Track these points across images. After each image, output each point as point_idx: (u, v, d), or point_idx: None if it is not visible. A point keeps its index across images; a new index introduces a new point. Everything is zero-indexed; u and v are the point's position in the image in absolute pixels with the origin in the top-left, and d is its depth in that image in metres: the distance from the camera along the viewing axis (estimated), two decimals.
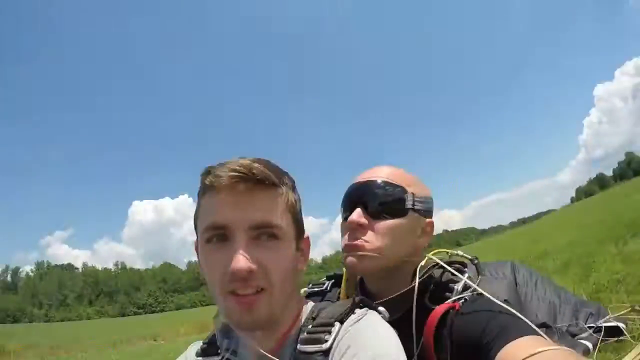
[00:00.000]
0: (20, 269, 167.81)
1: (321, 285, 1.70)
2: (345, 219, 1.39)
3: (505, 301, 1.17)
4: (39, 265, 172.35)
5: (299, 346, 0.94)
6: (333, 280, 1.68)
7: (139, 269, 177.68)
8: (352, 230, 1.34)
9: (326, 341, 0.91)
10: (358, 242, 1.31)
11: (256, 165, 0.91)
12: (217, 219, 0.93)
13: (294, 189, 1.05)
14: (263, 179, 0.92)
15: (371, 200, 1.34)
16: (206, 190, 0.97)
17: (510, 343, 0.94)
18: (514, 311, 1.07)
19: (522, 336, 0.95)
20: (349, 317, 0.97)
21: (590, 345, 1.74)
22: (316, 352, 0.91)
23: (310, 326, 0.98)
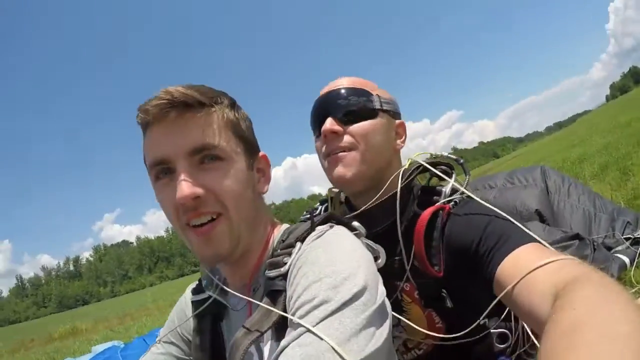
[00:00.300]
0: (80, 257, 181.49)
1: (315, 211, 1.51)
2: (317, 135, 1.33)
3: (537, 211, 1.40)
4: (96, 249, 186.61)
5: (265, 272, 0.92)
6: (326, 205, 1.50)
7: None
8: (328, 140, 1.27)
9: (285, 264, 0.89)
10: (337, 148, 1.25)
11: (179, 89, 0.87)
12: (155, 153, 0.91)
13: (233, 107, 1.00)
14: (188, 101, 0.88)
15: (339, 109, 1.26)
16: (143, 128, 0.94)
17: (512, 253, 0.93)
18: (507, 216, 1.04)
19: (523, 244, 0.93)
20: (309, 235, 0.93)
21: (627, 260, 1.62)
22: (277, 276, 0.89)
23: (279, 249, 0.95)
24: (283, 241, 0.98)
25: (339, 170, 1.24)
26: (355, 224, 1.02)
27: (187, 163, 0.89)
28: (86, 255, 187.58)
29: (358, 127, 1.25)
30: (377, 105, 1.28)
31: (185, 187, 0.86)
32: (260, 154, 1.06)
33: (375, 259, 0.94)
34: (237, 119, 0.99)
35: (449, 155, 1.33)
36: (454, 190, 1.21)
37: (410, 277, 1.21)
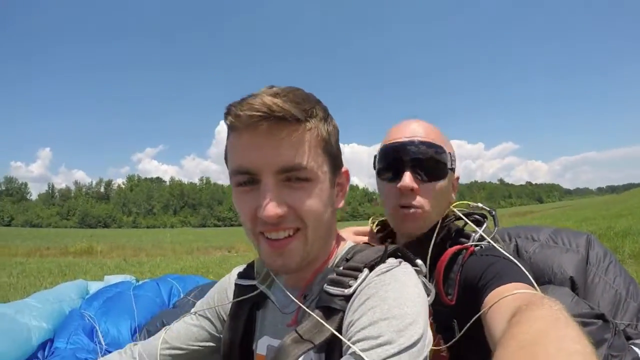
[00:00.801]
0: (113, 181, 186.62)
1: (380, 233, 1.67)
2: (388, 179, 1.45)
3: (571, 278, 1.45)
4: (130, 178, 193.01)
5: (325, 286, 0.95)
6: (387, 230, 1.64)
7: (222, 185, 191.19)
8: (403, 195, 1.39)
9: (350, 286, 0.92)
10: (412, 207, 1.38)
11: (277, 101, 0.86)
12: (242, 162, 0.93)
13: (326, 119, 1.00)
14: (285, 117, 0.87)
15: (416, 164, 1.38)
16: (229, 129, 0.96)
17: (500, 287, 1.05)
18: (516, 261, 1.16)
19: (514, 281, 1.05)
20: (379, 266, 0.96)
21: None
22: (338, 295, 0.92)
23: (342, 267, 0.99)
24: (347, 259, 1.01)
25: (409, 226, 1.39)
26: (419, 262, 1.04)
27: (274, 181, 0.90)
28: (119, 181, 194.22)
29: (431, 187, 1.40)
30: (449, 165, 1.43)
31: (271, 207, 0.88)
32: (343, 169, 1.08)
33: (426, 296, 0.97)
34: (329, 134, 0.99)
35: (483, 207, 1.48)
36: (482, 238, 1.36)
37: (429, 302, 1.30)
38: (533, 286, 1.04)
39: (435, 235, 1.39)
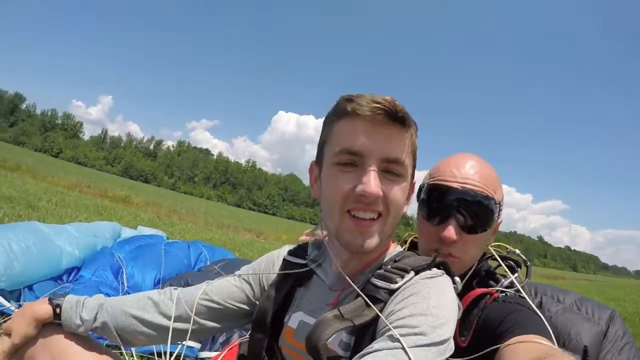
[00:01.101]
0: (163, 142, 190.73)
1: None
2: (430, 219, 1.42)
3: (585, 348, 1.38)
4: (180, 143, 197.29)
5: (372, 279, 1.07)
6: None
7: (266, 171, 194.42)
8: (444, 243, 1.38)
9: (396, 283, 1.02)
10: (450, 257, 1.37)
11: (399, 103, 1.00)
12: (354, 144, 1.02)
13: (416, 134, 1.12)
14: (402, 117, 1.01)
15: (466, 215, 1.37)
16: (343, 115, 1.05)
17: (521, 335, 1.06)
18: (540, 314, 1.18)
19: (533, 333, 1.06)
20: (425, 271, 1.06)
21: None
22: (384, 288, 1.02)
23: (389, 266, 1.09)
24: (395, 261, 1.12)
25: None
26: (457, 279, 1.13)
27: (378, 166, 1.02)
28: (169, 143, 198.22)
29: (474, 239, 1.38)
30: (496, 216, 1.42)
31: (375, 185, 1.00)
32: (414, 181, 1.19)
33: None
34: (416, 146, 1.12)
35: (520, 254, 1.51)
36: (511, 285, 1.37)
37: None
38: (552, 341, 1.06)
39: (467, 277, 1.41)
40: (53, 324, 1.29)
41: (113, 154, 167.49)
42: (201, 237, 9.75)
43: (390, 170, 1.04)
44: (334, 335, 0.99)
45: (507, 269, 1.44)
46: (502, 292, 1.34)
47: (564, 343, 1.46)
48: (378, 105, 0.98)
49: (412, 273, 1.04)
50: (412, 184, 1.18)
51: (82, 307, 1.30)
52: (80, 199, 11.60)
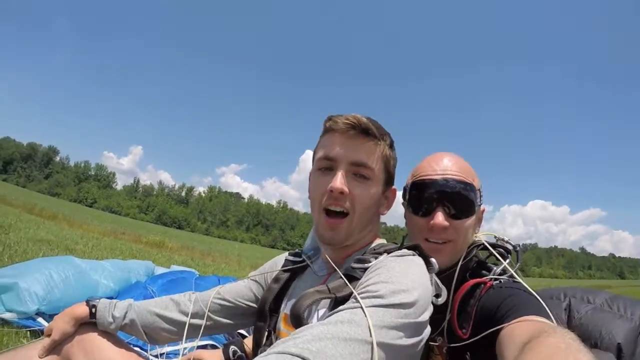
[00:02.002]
0: (194, 188, 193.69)
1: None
2: (418, 213, 1.57)
3: (619, 345, 1.34)
4: (211, 188, 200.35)
5: (352, 263, 1.25)
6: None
7: (298, 211, 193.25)
8: (435, 231, 1.51)
9: (369, 262, 1.21)
10: (441, 243, 1.51)
11: (364, 119, 1.30)
12: (328, 152, 1.32)
13: (391, 146, 1.40)
14: (367, 130, 1.29)
15: (448, 201, 1.51)
16: (326, 131, 1.37)
17: (515, 321, 1.09)
18: (532, 291, 1.27)
19: (531, 314, 1.10)
20: (396, 252, 1.25)
21: None
22: (360, 268, 1.21)
23: (368, 253, 1.30)
24: (375, 250, 1.31)
25: (436, 259, 1.35)
26: (433, 260, 1.27)
27: (346, 169, 1.29)
28: (200, 189, 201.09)
29: (461, 224, 1.51)
30: (478, 202, 1.56)
31: (340, 182, 1.26)
32: (392, 187, 1.45)
33: (437, 296, 1.24)
34: (390, 157, 1.39)
35: (509, 241, 1.59)
36: (504, 272, 1.45)
37: (444, 333, 1.44)
38: (550, 319, 1.10)
39: (458, 269, 1.50)
40: (88, 324, 1.58)
41: (146, 202, 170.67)
42: (236, 275, 9.82)
43: (359, 173, 1.30)
44: (314, 306, 1.24)
45: (498, 256, 1.52)
46: (495, 279, 1.42)
47: (595, 343, 1.45)
48: (347, 121, 1.28)
49: (385, 255, 1.24)
50: (392, 190, 1.45)
51: (114, 307, 1.59)
52: (115, 243, 11.94)
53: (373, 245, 1.38)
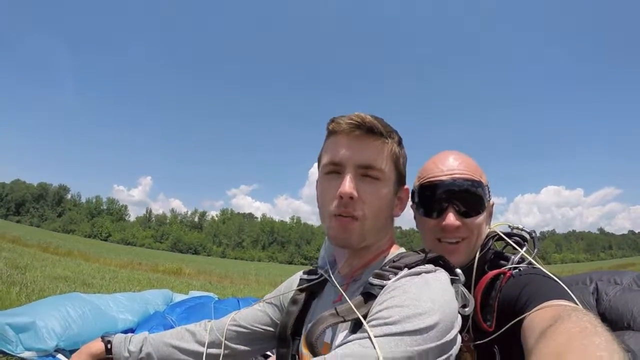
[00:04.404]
0: (207, 213, 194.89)
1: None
2: (429, 215, 1.56)
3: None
4: (223, 211, 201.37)
5: (370, 278, 1.17)
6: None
7: (312, 225, 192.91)
8: (447, 231, 1.50)
9: (389, 279, 1.11)
10: (455, 243, 1.51)
11: (369, 117, 1.22)
12: (334, 157, 1.25)
13: (399, 144, 1.33)
14: (372, 128, 1.22)
15: (458, 201, 1.51)
16: (330, 134, 1.31)
17: (535, 309, 1.10)
18: (553, 276, 1.25)
19: (551, 299, 1.10)
20: (417, 267, 1.15)
21: None
22: (378, 285, 1.12)
23: (387, 266, 1.19)
24: (394, 261, 1.21)
25: (453, 259, 1.34)
26: (458, 271, 1.21)
27: (354, 172, 1.22)
28: (213, 213, 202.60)
29: (473, 222, 1.51)
30: (487, 198, 1.55)
31: (348, 186, 1.18)
32: (405, 186, 1.38)
33: (464, 306, 1.16)
34: (399, 155, 1.32)
35: (524, 228, 1.58)
36: (522, 260, 1.43)
37: (470, 329, 1.41)
38: (572, 300, 1.10)
39: (476, 264, 1.49)
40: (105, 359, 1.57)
41: (160, 231, 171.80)
42: (255, 295, 9.82)
43: (368, 175, 1.22)
44: (329, 330, 1.19)
45: (514, 245, 1.49)
46: (514, 268, 1.39)
47: (628, 324, 1.43)
48: (351, 121, 1.21)
49: (405, 270, 1.14)
50: (405, 190, 1.37)
51: (129, 342, 1.57)
52: (132, 274, 11.95)
53: (392, 255, 1.30)
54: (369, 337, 0.91)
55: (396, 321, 0.93)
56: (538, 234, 1.56)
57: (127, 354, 1.53)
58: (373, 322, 0.96)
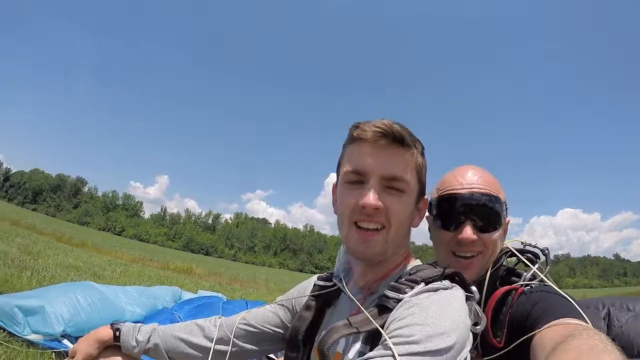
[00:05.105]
0: (221, 215, 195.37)
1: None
2: (446, 228, 1.57)
3: None
4: (237, 215, 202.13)
5: (385, 290, 1.17)
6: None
7: (325, 234, 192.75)
8: (463, 244, 1.52)
9: (405, 293, 1.12)
10: (469, 257, 1.53)
11: (396, 126, 1.20)
12: (358, 165, 1.22)
13: (422, 154, 1.31)
14: (400, 138, 1.20)
15: (477, 215, 1.51)
16: (353, 140, 1.27)
17: (546, 327, 1.10)
18: (565, 295, 1.26)
19: (561, 317, 1.11)
20: (434, 283, 1.15)
21: None
22: (394, 298, 1.12)
23: (404, 278, 1.19)
24: (410, 274, 1.21)
25: (466, 274, 1.32)
26: (473, 288, 1.22)
27: (379, 183, 1.20)
28: (227, 216, 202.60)
29: (489, 237, 1.52)
30: (504, 214, 1.57)
31: (373, 198, 1.17)
32: (424, 197, 1.37)
33: (476, 324, 1.15)
34: (422, 166, 1.30)
35: (536, 245, 1.59)
36: (534, 277, 1.44)
37: (479, 345, 1.40)
38: (583, 319, 1.10)
39: (487, 279, 1.50)
40: (112, 347, 1.57)
41: (173, 230, 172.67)
42: (264, 299, 9.81)
43: (392, 186, 1.21)
44: (342, 341, 1.19)
45: (526, 262, 1.51)
46: (526, 285, 1.40)
47: (639, 352, 1.43)
48: (377, 129, 1.18)
49: (422, 285, 1.14)
50: (424, 201, 1.36)
51: (138, 331, 1.56)
52: (143, 269, 12.04)
53: (409, 267, 1.29)
54: (393, 356, 0.91)
55: (418, 340, 0.93)
56: (552, 257, 1.56)
57: (134, 343, 1.53)
58: (394, 340, 0.95)
